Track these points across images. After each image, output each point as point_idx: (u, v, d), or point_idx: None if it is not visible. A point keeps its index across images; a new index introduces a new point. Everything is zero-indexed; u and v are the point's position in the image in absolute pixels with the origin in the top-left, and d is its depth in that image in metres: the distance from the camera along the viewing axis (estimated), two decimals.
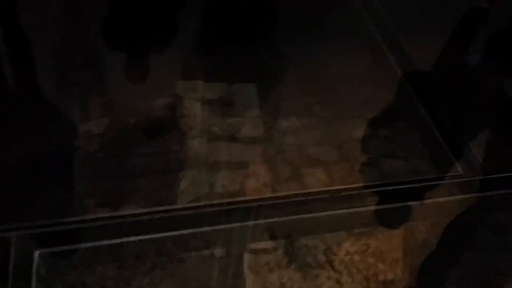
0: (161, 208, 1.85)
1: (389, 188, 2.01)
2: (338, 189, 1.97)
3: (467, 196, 2.06)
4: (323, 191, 1.97)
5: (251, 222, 1.82)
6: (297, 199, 1.93)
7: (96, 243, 1.75)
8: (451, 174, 2.11)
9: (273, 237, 1.79)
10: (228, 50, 2.64)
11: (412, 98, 2.45)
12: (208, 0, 2.96)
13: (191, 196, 1.86)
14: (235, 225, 1.81)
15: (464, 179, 2.09)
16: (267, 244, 1.78)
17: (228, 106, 2.16)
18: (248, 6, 3.00)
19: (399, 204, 1.99)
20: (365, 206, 1.95)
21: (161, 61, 2.57)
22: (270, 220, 1.84)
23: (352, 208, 1.93)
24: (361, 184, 2.01)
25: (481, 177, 2.11)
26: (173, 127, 2.14)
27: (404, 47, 2.71)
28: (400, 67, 2.62)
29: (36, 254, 1.69)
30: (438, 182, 2.08)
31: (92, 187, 1.96)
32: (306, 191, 1.95)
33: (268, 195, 1.88)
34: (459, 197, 2.04)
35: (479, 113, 2.43)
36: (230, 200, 1.85)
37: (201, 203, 1.84)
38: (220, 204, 1.83)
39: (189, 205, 1.84)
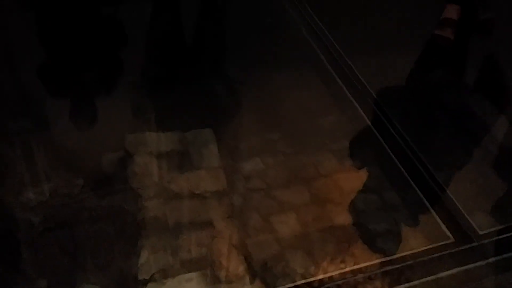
0: None
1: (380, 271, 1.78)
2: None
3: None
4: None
5: None
6: None
7: None
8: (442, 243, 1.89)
9: None
10: (177, 89, 2.47)
11: (370, 126, 2.35)
12: (151, 36, 2.79)
13: (154, 268, 1.66)
14: None
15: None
16: None
17: (184, 158, 1.98)
18: (192, 40, 2.86)
19: None
20: None
21: (106, 106, 2.37)
22: None
23: None
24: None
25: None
26: (126, 187, 1.94)
27: (355, 71, 2.61)
28: (351, 93, 2.51)
29: None
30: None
31: (41, 266, 1.74)
32: None
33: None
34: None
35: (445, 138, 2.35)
36: None
37: None
38: None
39: None
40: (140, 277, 1.64)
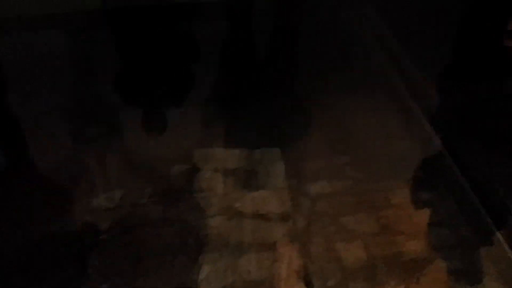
0: None
1: None
2: None
3: None
4: None
5: None
6: None
7: None
8: None
9: None
10: (247, 106, 2.47)
11: (446, 156, 2.21)
12: (223, 53, 2.83)
13: (214, 285, 1.64)
14: None
15: None
16: None
17: (251, 177, 1.96)
18: (264, 59, 2.87)
19: None
20: None
21: (177, 118, 2.42)
22: None
23: None
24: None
25: None
26: (192, 201, 1.94)
27: (429, 94, 2.49)
28: (427, 119, 2.39)
29: None
30: None
31: (104, 270, 1.77)
32: None
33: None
34: None
35: None
36: None
37: None
38: None
39: None
40: None
